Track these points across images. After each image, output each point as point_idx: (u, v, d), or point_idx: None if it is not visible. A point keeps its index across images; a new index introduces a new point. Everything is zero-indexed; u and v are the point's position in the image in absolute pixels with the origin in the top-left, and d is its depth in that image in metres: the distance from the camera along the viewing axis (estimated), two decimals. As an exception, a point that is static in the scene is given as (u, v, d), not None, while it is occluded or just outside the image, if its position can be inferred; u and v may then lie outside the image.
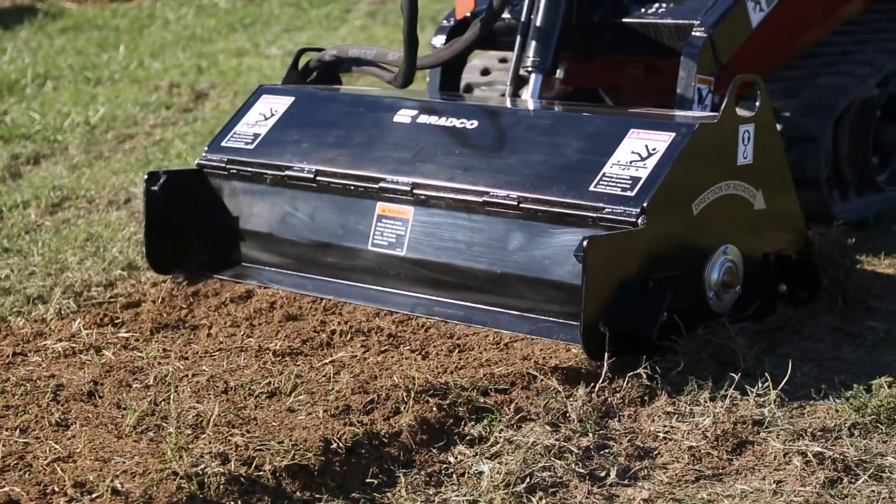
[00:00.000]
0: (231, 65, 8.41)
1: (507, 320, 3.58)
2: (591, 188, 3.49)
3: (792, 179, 3.81)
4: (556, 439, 3.01)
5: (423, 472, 2.89)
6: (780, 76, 4.73)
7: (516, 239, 3.58)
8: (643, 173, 3.45)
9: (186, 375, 3.35)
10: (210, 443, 2.89)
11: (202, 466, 2.75)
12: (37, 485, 2.73)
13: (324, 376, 3.32)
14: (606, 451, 3.00)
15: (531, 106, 4.06)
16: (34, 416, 3.09)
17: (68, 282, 4.13)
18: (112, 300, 3.99)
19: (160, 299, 3.94)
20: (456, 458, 2.96)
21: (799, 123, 4.54)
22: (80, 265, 4.32)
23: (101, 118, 6.71)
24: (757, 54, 4.35)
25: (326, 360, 3.43)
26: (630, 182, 3.45)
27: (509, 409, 3.15)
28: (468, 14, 4.56)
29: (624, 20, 4.33)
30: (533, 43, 4.16)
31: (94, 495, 2.67)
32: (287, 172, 4.00)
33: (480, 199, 3.63)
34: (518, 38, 4.24)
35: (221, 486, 2.71)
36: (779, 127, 4.23)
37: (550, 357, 3.40)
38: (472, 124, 3.84)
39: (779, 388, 3.25)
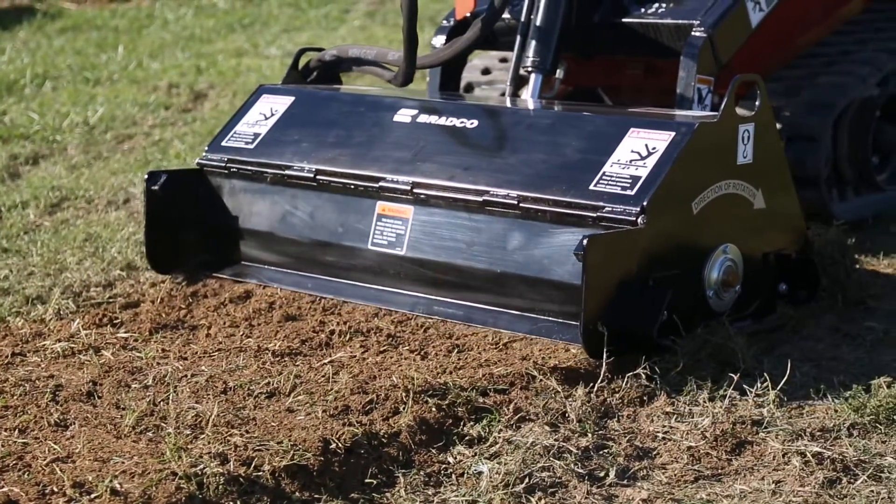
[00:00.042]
0: (230, 65, 8.41)
1: (506, 320, 3.58)
2: (591, 187, 3.49)
3: (792, 178, 3.81)
4: (556, 439, 3.01)
5: (422, 473, 2.89)
6: (779, 75, 4.73)
7: (516, 238, 3.58)
8: (643, 172, 3.45)
9: (185, 376, 3.35)
10: (209, 443, 2.88)
11: (201, 467, 2.75)
12: (36, 485, 2.72)
13: (323, 376, 3.32)
14: (605, 451, 3.00)
15: (531, 105, 4.06)
16: (33, 417, 3.09)
17: (67, 282, 4.13)
18: (111, 300, 3.98)
19: (159, 299, 3.94)
20: (455, 458, 2.95)
21: (798, 122, 4.54)
22: (78, 265, 4.32)
23: (99, 118, 6.71)
24: (756, 54, 4.35)
25: (325, 361, 3.43)
26: (630, 181, 3.45)
27: (508, 409, 3.15)
28: (468, 14, 4.55)
29: (624, 20, 4.33)
30: (533, 43, 4.16)
31: (93, 495, 2.67)
32: (287, 172, 4.00)
33: (480, 199, 3.63)
34: (518, 38, 4.24)
35: (220, 487, 2.71)
36: (778, 126, 4.23)
37: (549, 357, 3.39)
38: (472, 124, 3.84)
39: (778, 388, 3.24)
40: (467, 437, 3.03)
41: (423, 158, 3.81)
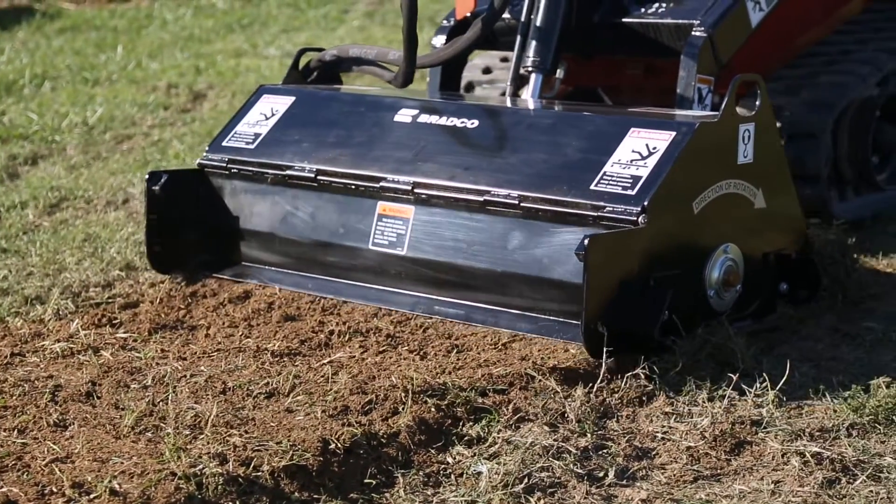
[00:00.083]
0: (229, 65, 8.41)
1: (507, 319, 3.58)
2: (592, 187, 3.49)
3: (792, 178, 3.81)
4: (555, 440, 3.00)
5: (421, 473, 2.89)
6: (780, 75, 4.73)
7: (517, 238, 3.58)
8: (644, 172, 3.45)
9: (185, 376, 3.35)
10: (208, 443, 2.88)
11: (200, 467, 2.74)
12: (35, 485, 2.72)
13: (322, 377, 3.32)
14: (605, 451, 3.00)
15: (532, 105, 4.06)
16: (32, 417, 3.08)
17: (66, 282, 4.12)
18: (110, 301, 3.98)
19: (158, 300, 3.93)
20: (454, 458, 2.95)
21: (799, 120, 4.54)
22: (78, 266, 4.32)
23: (98, 119, 6.71)
24: (757, 54, 4.35)
25: (325, 361, 3.42)
26: (631, 181, 3.45)
27: (507, 409, 3.14)
28: (468, 14, 4.55)
29: (624, 20, 4.33)
30: (533, 43, 4.16)
31: (92, 496, 2.66)
32: (288, 172, 4.00)
33: (481, 199, 3.63)
34: (518, 38, 4.24)
35: (220, 487, 2.71)
36: (778, 124, 4.23)
37: (549, 357, 3.39)
38: (472, 124, 3.84)
39: (777, 388, 3.24)
40: (466, 438, 3.03)
41: (424, 158, 3.81)
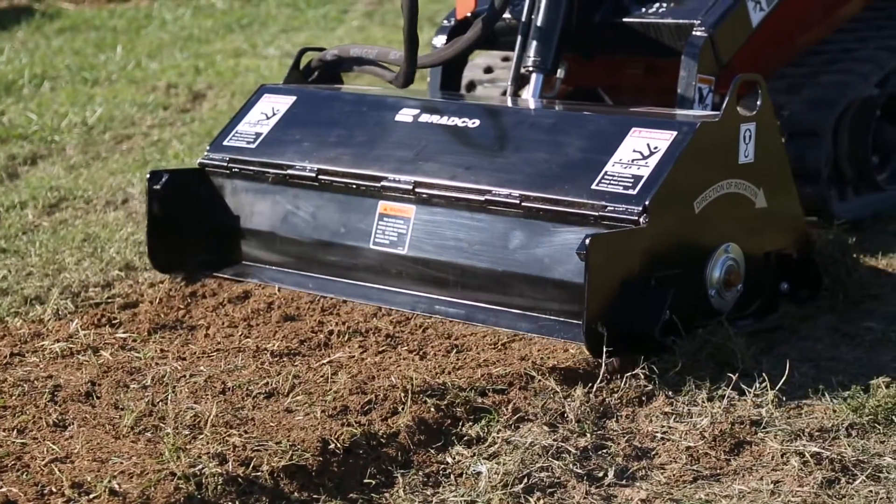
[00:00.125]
0: (228, 65, 8.41)
1: (508, 319, 3.58)
2: (593, 187, 3.48)
3: (793, 176, 3.80)
4: (554, 440, 3.00)
5: (420, 473, 2.88)
6: (781, 73, 4.73)
7: (518, 237, 3.58)
8: (645, 172, 3.44)
9: (184, 376, 3.34)
10: (208, 443, 2.88)
11: (200, 467, 2.74)
12: (34, 485, 2.72)
13: (321, 377, 3.31)
14: (604, 451, 2.99)
15: (532, 105, 4.06)
16: (32, 417, 3.08)
17: (66, 282, 4.12)
18: (109, 301, 3.98)
19: (158, 300, 3.93)
20: (454, 458, 2.95)
21: (800, 118, 4.54)
22: (77, 266, 4.31)
23: (98, 119, 6.71)
24: (757, 53, 4.35)
25: (324, 361, 3.42)
26: (632, 180, 3.44)
27: (507, 409, 3.14)
28: (469, 14, 4.55)
29: (624, 20, 4.33)
30: (534, 43, 4.16)
31: (91, 496, 2.66)
32: (289, 171, 4.00)
33: (482, 198, 3.63)
34: (519, 38, 4.24)
35: (219, 487, 2.70)
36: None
37: (548, 357, 3.39)
38: (473, 123, 3.84)
39: (776, 388, 3.24)
40: (466, 438, 3.03)
41: (425, 158, 3.80)
